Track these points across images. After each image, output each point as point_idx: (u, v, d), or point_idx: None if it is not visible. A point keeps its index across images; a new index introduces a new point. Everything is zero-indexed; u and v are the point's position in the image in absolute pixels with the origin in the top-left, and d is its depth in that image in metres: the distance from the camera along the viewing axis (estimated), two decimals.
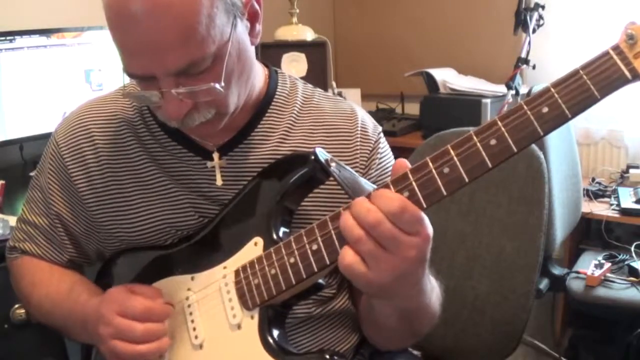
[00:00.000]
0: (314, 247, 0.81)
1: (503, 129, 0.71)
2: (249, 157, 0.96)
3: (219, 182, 0.95)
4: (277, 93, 1.00)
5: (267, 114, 0.98)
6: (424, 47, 3.06)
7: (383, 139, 1.03)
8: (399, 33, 3.15)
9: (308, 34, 2.69)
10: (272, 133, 0.97)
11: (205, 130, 0.89)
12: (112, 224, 0.98)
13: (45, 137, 2.37)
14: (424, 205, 0.74)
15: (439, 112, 2.64)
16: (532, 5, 2.39)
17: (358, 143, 0.98)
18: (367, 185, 0.85)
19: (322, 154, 0.84)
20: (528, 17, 2.36)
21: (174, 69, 0.79)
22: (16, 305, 1.51)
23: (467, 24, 2.94)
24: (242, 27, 0.85)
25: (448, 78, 2.75)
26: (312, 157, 0.85)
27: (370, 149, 0.99)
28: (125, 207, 0.97)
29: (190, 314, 0.91)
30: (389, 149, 1.04)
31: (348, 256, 0.73)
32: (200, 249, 0.94)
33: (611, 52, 0.68)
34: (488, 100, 2.53)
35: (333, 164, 0.83)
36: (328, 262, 0.80)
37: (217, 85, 0.81)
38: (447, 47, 2.99)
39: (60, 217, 1.02)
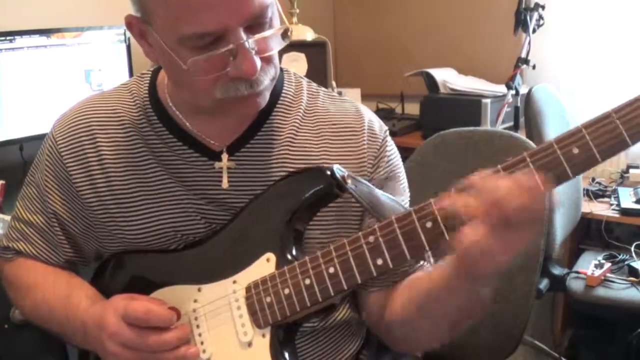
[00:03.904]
0: (331, 270, 0.80)
1: (531, 165, 0.69)
2: (257, 159, 0.94)
3: (225, 184, 0.92)
4: (284, 91, 0.98)
5: (273, 113, 0.96)
6: (424, 47, 3.06)
7: (389, 138, 1.01)
8: (399, 33, 3.15)
9: (308, 34, 2.69)
10: (279, 133, 0.95)
11: (255, 107, 0.86)
12: (114, 224, 0.95)
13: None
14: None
15: (439, 112, 2.63)
16: (532, 5, 2.38)
17: (365, 143, 0.96)
18: (384, 197, 0.84)
19: (339, 171, 0.83)
20: (528, 17, 2.36)
21: (253, 14, 0.77)
22: None
23: (467, 24, 2.94)
24: None
25: (448, 78, 2.75)
26: (329, 173, 0.83)
27: (378, 147, 0.97)
28: (127, 208, 0.94)
29: (198, 326, 0.89)
30: (395, 148, 1.02)
31: (473, 234, 0.69)
32: (207, 259, 0.91)
33: None
34: (488, 100, 2.52)
35: (349, 181, 0.82)
36: (345, 287, 0.79)
37: (287, 28, 0.81)
38: (447, 47, 2.98)
39: (57, 215, 0.98)
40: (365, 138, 0.97)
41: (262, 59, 0.81)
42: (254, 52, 0.79)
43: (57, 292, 0.97)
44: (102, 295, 0.95)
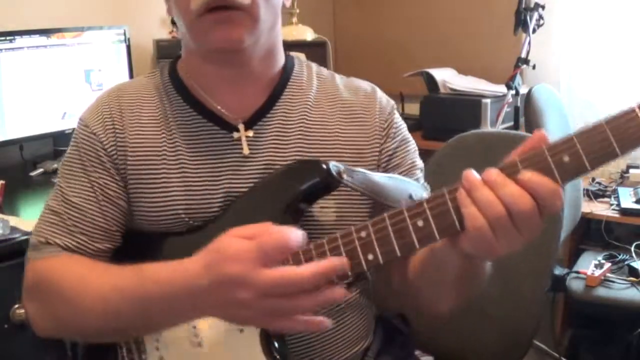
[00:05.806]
0: None
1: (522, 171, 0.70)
2: (274, 130, 0.98)
3: (245, 150, 0.96)
4: (295, 71, 1.04)
5: (286, 90, 1.01)
6: (424, 47, 3.06)
7: (396, 111, 1.07)
8: (399, 33, 3.15)
9: (308, 34, 2.69)
10: (294, 108, 1.00)
11: (229, 34, 0.90)
12: (134, 201, 0.97)
13: (45, 137, 2.34)
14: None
15: (439, 112, 2.64)
16: (532, 5, 2.38)
17: (376, 117, 1.03)
18: (383, 178, 0.87)
19: (334, 167, 0.86)
20: (528, 17, 2.36)
21: None
22: (16, 305, 1.51)
23: (467, 24, 2.94)
24: None
25: (448, 78, 2.75)
26: (325, 167, 0.86)
27: (386, 119, 1.04)
28: (143, 186, 0.96)
29: None
30: (402, 120, 1.09)
31: (482, 224, 0.70)
32: (205, 244, 0.88)
33: (637, 110, 0.67)
34: (488, 100, 2.53)
35: (345, 175, 0.85)
36: (334, 280, 0.78)
37: None
38: (447, 47, 2.99)
39: (102, 189, 0.95)
40: (376, 113, 1.04)
41: None
42: None
43: (120, 280, 0.85)
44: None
